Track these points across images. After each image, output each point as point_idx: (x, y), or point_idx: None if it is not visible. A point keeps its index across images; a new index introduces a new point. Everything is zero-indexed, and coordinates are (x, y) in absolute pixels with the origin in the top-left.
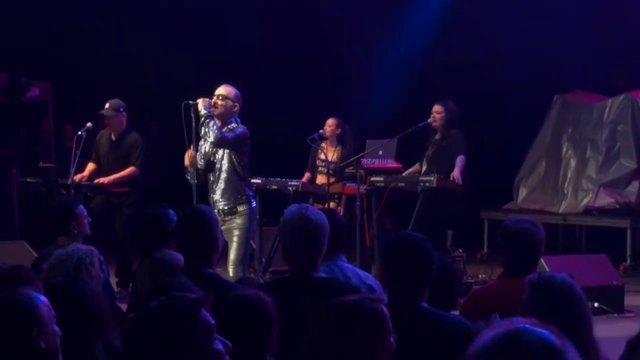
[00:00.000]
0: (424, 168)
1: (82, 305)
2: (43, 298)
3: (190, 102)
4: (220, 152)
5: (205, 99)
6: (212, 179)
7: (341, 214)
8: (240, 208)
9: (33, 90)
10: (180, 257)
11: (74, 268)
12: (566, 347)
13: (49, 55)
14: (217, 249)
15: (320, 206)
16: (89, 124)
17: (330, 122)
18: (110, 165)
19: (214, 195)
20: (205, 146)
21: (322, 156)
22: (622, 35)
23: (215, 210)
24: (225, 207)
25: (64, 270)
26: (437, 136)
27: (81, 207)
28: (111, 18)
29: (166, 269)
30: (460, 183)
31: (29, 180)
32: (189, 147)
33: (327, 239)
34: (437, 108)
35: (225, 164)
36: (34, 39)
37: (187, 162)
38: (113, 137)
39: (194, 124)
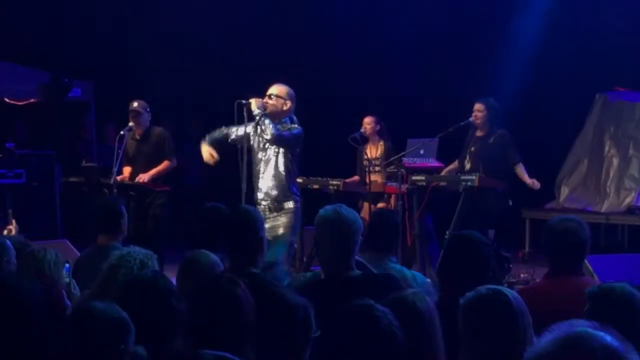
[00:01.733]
0: (467, 165)
1: (163, 301)
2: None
3: (244, 101)
4: (273, 149)
5: (258, 98)
6: (261, 174)
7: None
8: (287, 206)
9: (75, 90)
10: (213, 256)
11: (138, 269)
12: (630, 352)
13: (90, 55)
14: (262, 249)
15: (367, 205)
16: (130, 124)
17: (368, 119)
18: (142, 163)
19: (262, 189)
20: (255, 141)
21: (369, 155)
22: None
23: (263, 205)
24: (272, 204)
25: (128, 270)
26: (479, 133)
27: (122, 206)
28: (152, 19)
29: (200, 268)
30: (538, 186)
31: (71, 179)
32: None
33: (359, 238)
34: (478, 106)
35: (276, 161)
36: (76, 39)
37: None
38: (138, 136)
39: (245, 123)
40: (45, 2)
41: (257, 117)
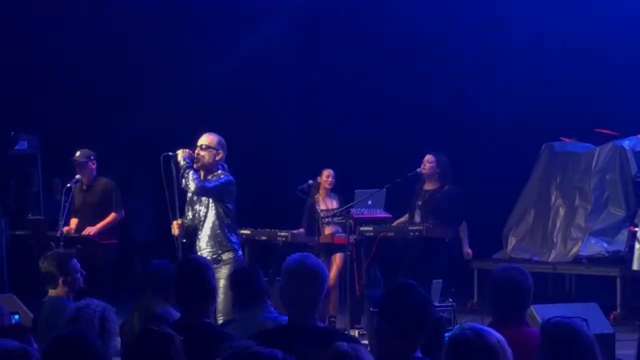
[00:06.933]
0: (417, 218)
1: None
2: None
3: (170, 153)
4: (205, 200)
5: (185, 149)
6: (197, 227)
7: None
8: (225, 256)
9: (21, 144)
10: (174, 313)
11: (99, 323)
12: None
13: (37, 108)
14: (214, 299)
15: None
16: (77, 177)
17: (328, 172)
18: (87, 213)
19: (199, 244)
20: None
21: (322, 206)
22: (610, 84)
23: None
24: (210, 256)
25: (89, 324)
26: (428, 186)
27: (74, 260)
28: (97, 72)
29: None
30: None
31: (17, 233)
32: (178, 219)
33: (325, 286)
34: (428, 157)
35: (210, 212)
36: (22, 92)
37: (175, 231)
38: (84, 187)
39: (174, 175)
40: None
41: (181, 170)
